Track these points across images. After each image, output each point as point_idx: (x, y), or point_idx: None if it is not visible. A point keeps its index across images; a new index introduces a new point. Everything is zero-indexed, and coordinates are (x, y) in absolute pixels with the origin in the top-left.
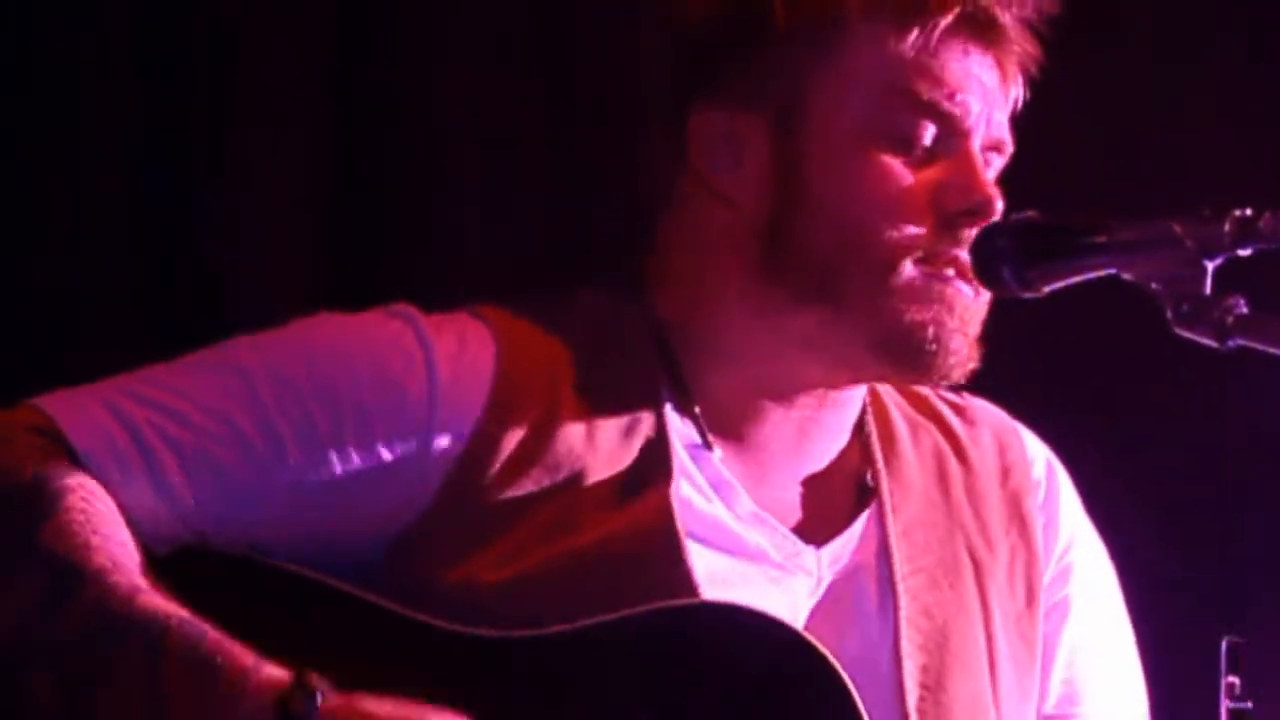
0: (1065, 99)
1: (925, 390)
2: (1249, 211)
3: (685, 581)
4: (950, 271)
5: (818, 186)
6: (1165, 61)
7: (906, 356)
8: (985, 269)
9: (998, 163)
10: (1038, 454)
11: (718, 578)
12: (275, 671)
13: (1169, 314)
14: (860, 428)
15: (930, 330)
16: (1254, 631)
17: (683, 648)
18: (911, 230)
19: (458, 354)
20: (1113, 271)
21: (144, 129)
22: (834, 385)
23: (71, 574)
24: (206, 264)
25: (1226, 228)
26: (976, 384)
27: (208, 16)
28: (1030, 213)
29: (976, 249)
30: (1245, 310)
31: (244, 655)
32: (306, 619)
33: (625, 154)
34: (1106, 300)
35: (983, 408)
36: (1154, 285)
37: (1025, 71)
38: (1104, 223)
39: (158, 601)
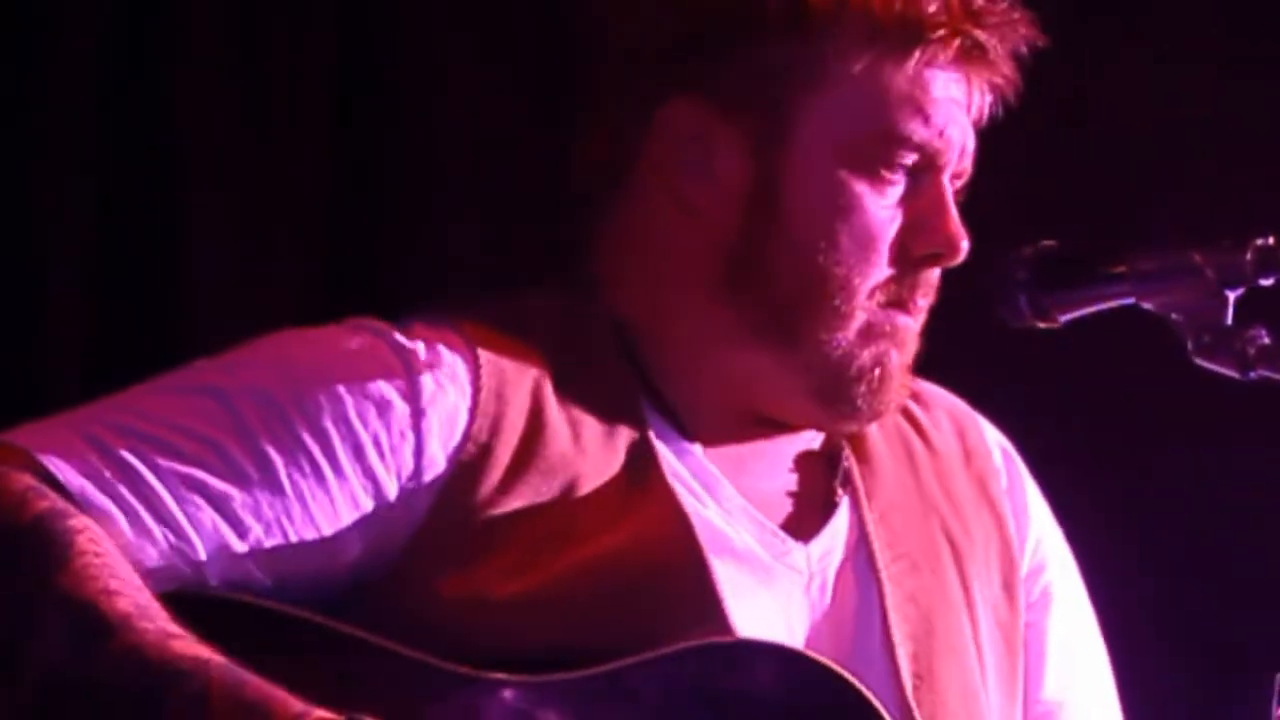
0: (1078, 124)
1: None
2: (1271, 240)
3: (708, 587)
4: (902, 310)
5: (792, 217)
6: (1182, 84)
7: (846, 401)
8: (1002, 300)
9: (958, 185)
10: (995, 440)
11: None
12: (326, 715)
13: (1190, 345)
14: None
15: (878, 371)
16: None
17: (716, 690)
18: (877, 274)
19: (435, 364)
20: (1132, 301)
21: (141, 128)
22: (781, 420)
23: (97, 622)
24: (203, 266)
25: (1248, 257)
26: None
27: (207, 16)
28: (1047, 242)
29: (994, 278)
30: (1268, 341)
31: (291, 700)
32: (315, 666)
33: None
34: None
35: (935, 391)
36: (1174, 316)
37: (997, 93)
38: (1123, 252)
39: (193, 647)
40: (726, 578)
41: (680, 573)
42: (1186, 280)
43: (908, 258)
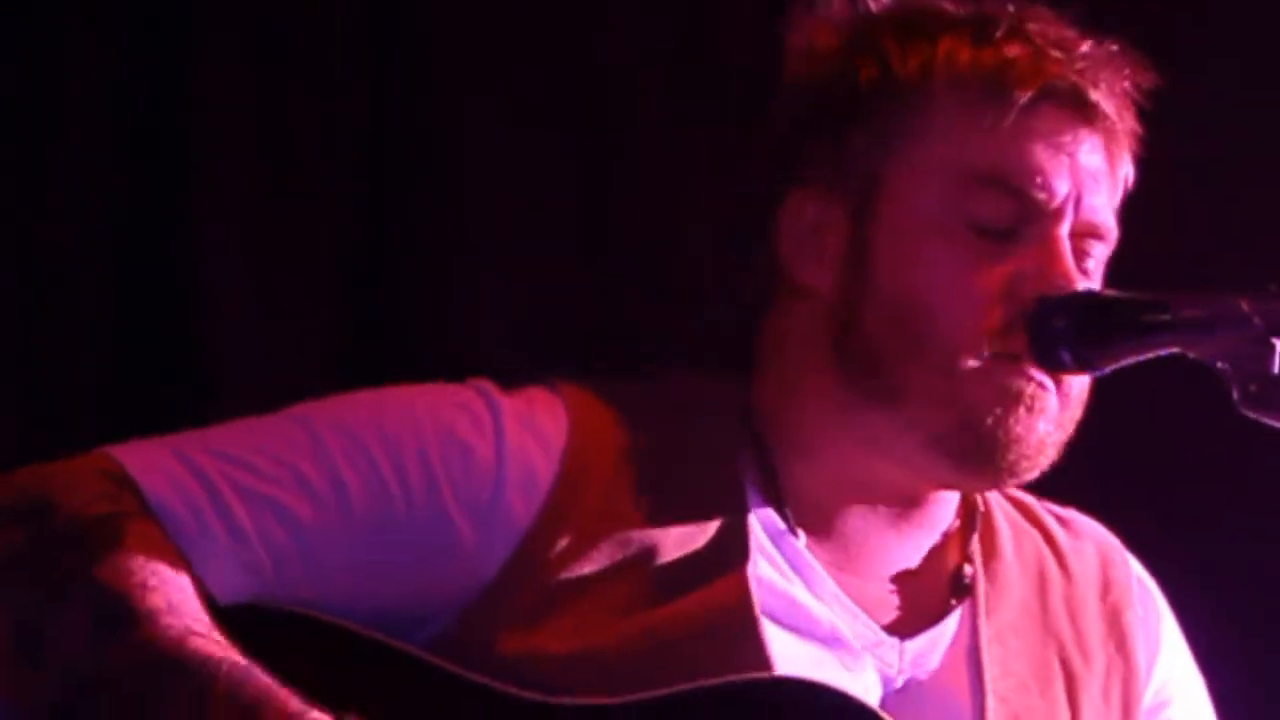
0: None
1: (1029, 499)
2: None
3: (761, 662)
4: (1024, 364)
5: (883, 274)
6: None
7: (967, 453)
8: (1043, 349)
9: (1098, 251)
10: (1140, 575)
11: (790, 660)
12: (322, 716)
13: (1236, 394)
14: (963, 526)
15: (991, 422)
16: None
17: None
18: (980, 321)
19: (527, 419)
20: (1177, 350)
21: (166, 189)
22: (912, 488)
23: (124, 612)
24: (230, 324)
25: None
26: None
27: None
28: (1089, 290)
29: (1033, 328)
30: None
31: (290, 700)
32: (364, 678)
33: (726, 246)
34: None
35: (1087, 522)
36: (1220, 364)
37: (1130, 150)
38: (1167, 299)
39: (209, 646)
40: (792, 652)
41: (733, 643)
42: (1233, 328)
43: (1020, 304)
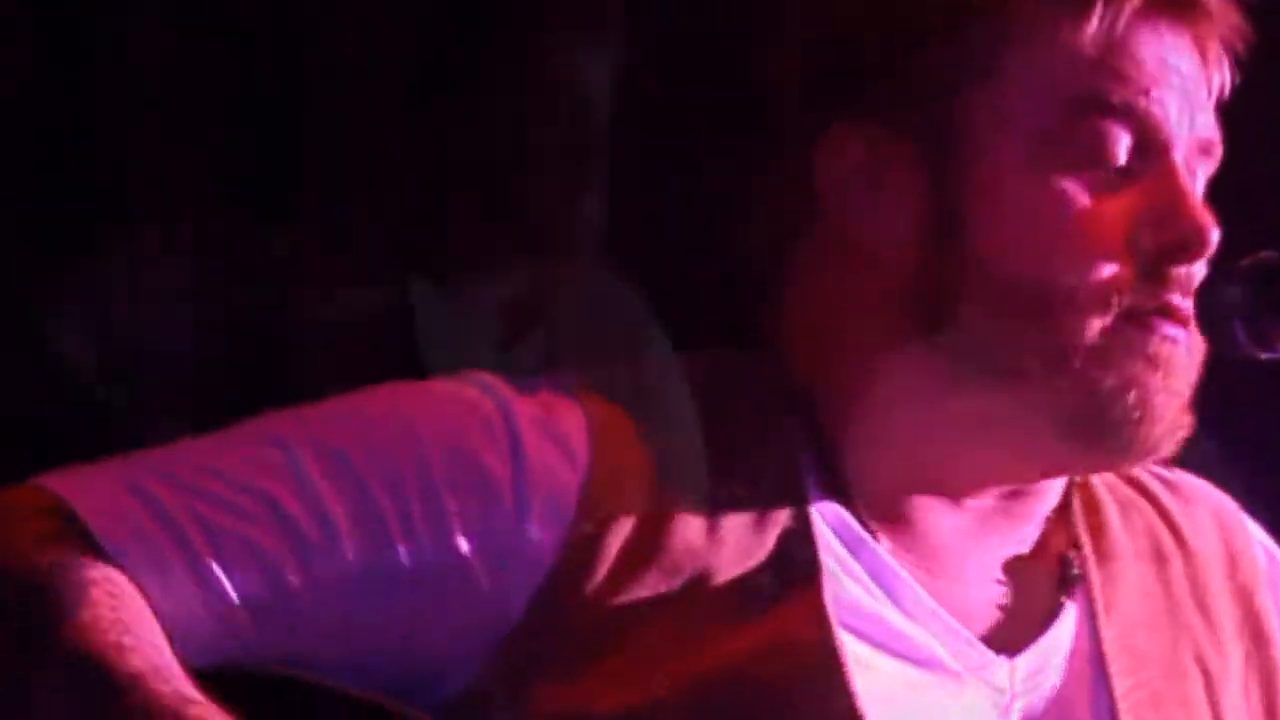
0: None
1: None
2: None
3: (849, 710)
4: (1153, 320)
5: (982, 230)
6: None
7: (1105, 434)
8: (1213, 325)
9: (1206, 169)
10: (1263, 540)
11: (884, 694)
12: None
13: None
14: (1062, 503)
15: (1133, 395)
16: None
17: None
18: (1106, 278)
19: (545, 423)
20: None
21: None
22: (1016, 478)
23: (104, 681)
24: None
25: None
26: None
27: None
28: (1267, 253)
29: (1201, 301)
30: None
31: None
32: None
33: (747, 183)
34: None
35: (1196, 484)
36: None
37: (1230, 50)
38: None
39: (212, 713)
40: (884, 689)
41: (815, 688)
42: None
43: (1147, 256)
